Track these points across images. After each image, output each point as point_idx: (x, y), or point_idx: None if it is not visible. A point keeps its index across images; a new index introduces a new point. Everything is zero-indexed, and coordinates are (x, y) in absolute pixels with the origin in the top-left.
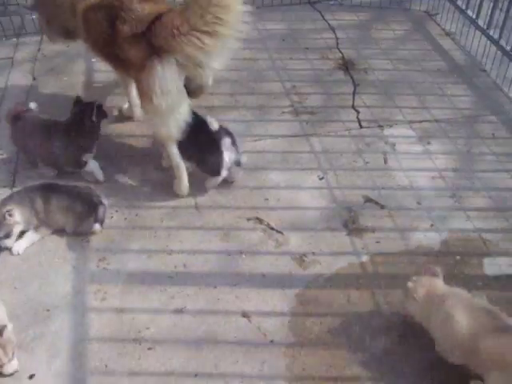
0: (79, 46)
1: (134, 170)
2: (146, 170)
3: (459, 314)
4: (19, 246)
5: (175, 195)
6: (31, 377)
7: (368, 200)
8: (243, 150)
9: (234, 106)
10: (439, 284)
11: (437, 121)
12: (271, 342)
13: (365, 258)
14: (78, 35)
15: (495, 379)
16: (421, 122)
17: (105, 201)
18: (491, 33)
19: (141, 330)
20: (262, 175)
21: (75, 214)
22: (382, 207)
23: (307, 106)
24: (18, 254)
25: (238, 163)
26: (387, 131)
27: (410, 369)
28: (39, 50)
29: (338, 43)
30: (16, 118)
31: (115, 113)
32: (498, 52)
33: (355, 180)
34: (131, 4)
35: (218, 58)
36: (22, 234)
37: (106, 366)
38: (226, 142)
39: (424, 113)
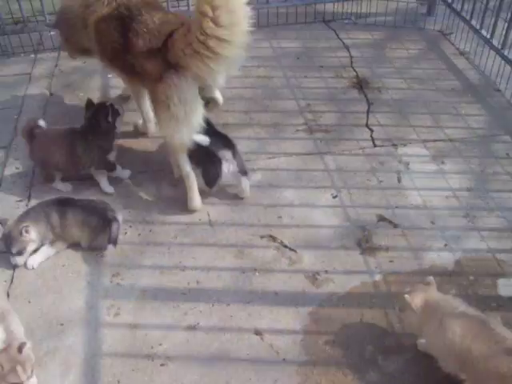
0: (95, 62)
1: (148, 186)
2: (160, 185)
3: (453, 324)
4: (34, 260)
5: (189, 210)
6: None
7: (381, 219)
8: (257, 167)
9: (249, 124)
10: (435, 294)
11: (451, 140)
12: (284, 360)
13: (378, 277)
14: (92, 52)
15: None
16: (435, 141)
17: (119, 217)
18: (506, 52)
19: (154, 346)
20: (276, 193)
21: (90, 228)
22: (396, 226)
23: (321, 124)
24: (33, 268)
25: (243, 172)
26: (401, 150)
27: None
28: (56, 65)
29: (352, 62)
30: (31, 134)
31: (131, 128)
32: None
33: (369, 199)
34: (141, 16)
35: (224, 74)
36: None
37: (119, 381)
38: (226, 153)
39: (438, 132)
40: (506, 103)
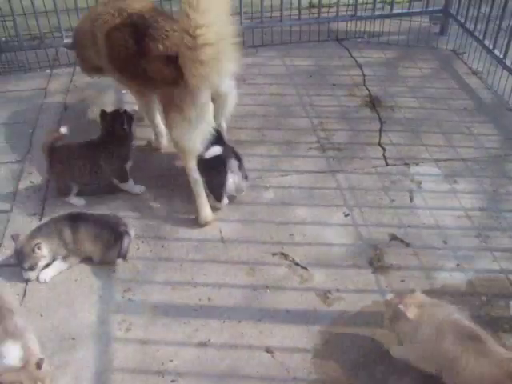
0: (109, 78)
1: (161, 202)
2: (173, 202)
3: (442, 329)
4: (46, 274)
5: (200, 223)
6: None
7: (393, 238)
8: (269, 184)
9: (261, 141)
10: (428, 301)
11: (463, 160)
12: (294, 378)
13: (389, 297)
14: (104, 69)
15: None
16: (447, 160)
17: (131, 231)
18: None
19: (164, 362)
20: (288, 210)
21: (102, 242)
22: (408, 245)
23: (334, 143)
24: (45, 282)
25: (244, 177)
26: (413, 169)
27: None
28: (71, 81)
29: (365, 80)
30: (51, 147)
31: (145, 143)
32: None
33: (381, 217)
34: (158, 22)
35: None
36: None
37: None
38: (233, 164)
39: (450, 151)
40: None
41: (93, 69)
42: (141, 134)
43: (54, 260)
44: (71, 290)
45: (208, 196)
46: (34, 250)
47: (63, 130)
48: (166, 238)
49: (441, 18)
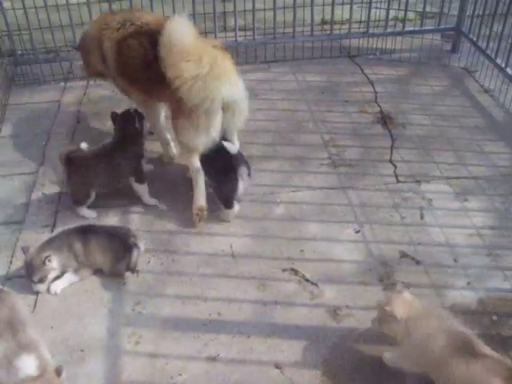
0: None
1: (172, 216)
2: (185, 216)
3: (434, 334)
4: (57, 286)
5: (194, 213)
6: None
7: (404, 255)
8: (280, 200)
9: (273, 157)
10: (414, 301)
11: (474, 178)
12: None
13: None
14: (105, 75)
15: None
16: (458, 178)
17: (140, 243)
18: None
19: (173, 376)
20: (299, 226)
21: (112, 253)
22: (418, 263)
23: (345, 159)
24: (56, 293)
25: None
26: (424, 187)
27: None
28: (85, 94)
29: (376, 97)
30: (68, 158)
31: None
32: None
33: (391, 235)
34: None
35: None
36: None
37: None
38: (244, 171)
39: (462, 169)
40: None
41: (95, 73)
42: (152, 148)
43: (63, 272)
44: (81, 302)
45: (217, 205)
46: (44, 263)
47: (83, 145)
48: (176, 251)
49: (453, 35)
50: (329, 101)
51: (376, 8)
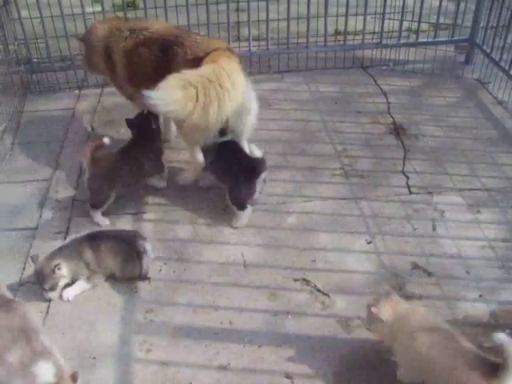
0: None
1: (184, 224)
2: (197, 224)
3: (420, 334)
4: (69, 293)
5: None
6: None
7: (415, 267)
8: (292, 210)
9: (285, 166)
10: (401, 303)
11: (487, 190)
12: None
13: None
14: (111, 81)
15: None
16: (471, 190)
17: (148, 247)
18: None
19: None
20: (311, 236)
21: (121, 256)
22: (430, 275)
23: (357, 170)
24: (68, 300)
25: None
26: (436, 198)
27: None
28: (99, 102)
29: (389, 108)
30: (93, 158)
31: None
32: None
33: (403, 246)
34: (182, 37)
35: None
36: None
37: None
38: (261, 177)
39: (474, 181)
40: None
41: (94, 69)
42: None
43: (74, 280)
44: (93, 309)
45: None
46: (53, 271)
47: (106, 140)
48: (188, 260)
49: (466, 47)
50: (342, 111)
51: (389, 19)
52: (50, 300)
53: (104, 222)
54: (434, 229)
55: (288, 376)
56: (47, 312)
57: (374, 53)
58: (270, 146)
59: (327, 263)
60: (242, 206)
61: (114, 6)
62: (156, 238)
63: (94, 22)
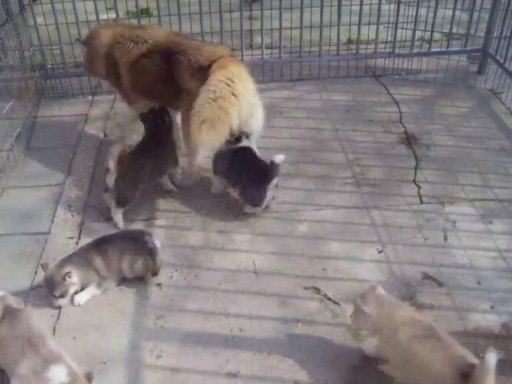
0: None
1: (195, 231)
2: (208, 231)
3: (402, 328)
4: (81, 297)
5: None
6: None
7: (426, 277)
8: (304, 218)
9: (297, 175)
10: (385, 297)
11: (499, 200)
12: None
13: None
14: (114, 87)
15: None
16: (483, 200)
17: (157, 242)
18: None
19: None
20: (322, 245)
21: (131, 254)
22: (441, 285)
23: (369, 179)
24: (79, 305)
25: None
26: (448, 208)
27: None
28: (112, 108)
29: (401, 117)
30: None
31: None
32: None
33: (414, 256)
34: (189, 43)
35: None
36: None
37: None
38: (273, 181)
39: (486, 191)
40: None
41: (94, 73)
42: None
43: (84, 286)
44: (104, 314)
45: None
46: (64, 279)
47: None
48: (199, 267)
49: (479, 57)
50: (353, 120)
51: (402, 28)
52: (59, 307)
53: (121, 224)
54: (445, 239)
55: None
56: (58, 317)
57: (386, 62)
58: (281, 154)
59: (338, 272)
60: (255, 204)
61: (128, 12)
62: (167, 244)
63: (97, 27)
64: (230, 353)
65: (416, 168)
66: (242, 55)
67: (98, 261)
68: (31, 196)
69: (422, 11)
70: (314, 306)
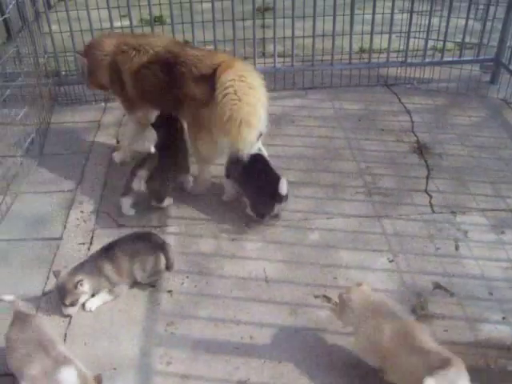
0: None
1: (207, 238)
2: (220, 238)
3: (381, 324)
4: (92, 303)
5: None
6: None
7: (437, 286)
8: (315, 226)
9: (308, 183)
10: (371, 294)
11: (511, 210)
12: None
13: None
14: (116, 95)
15: None
16: (495, 210)
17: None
18: None
19: None
20: (333, 253)
21: (140, 255)
22: (452, 295)
23: (380, 188)
24: (90, 310)
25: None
26: (460, 218)
27: None
28: (124, 114)
29: (413, 126)
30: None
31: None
32: None
33: (425, 265)
34: (186, 53)
35: None
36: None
37: None
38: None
39: (498, 201)
40: None
41: (97, 84)
42: None
43: (94, 294)
44: (115, 320)
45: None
46: (76, 287)
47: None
48: (210, 274)
49: (492, 66)
50: (365, 129)
51: (414, 38)
52: (68, 315)
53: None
54: (456, 249)
55: None
56: (69, 322)
57: (398, 71)
58: (293, 162)
59: (349, 280)
60: (261, 216)
61: (141, 20)
62: (178, 251)
63: (99, 37)
64: (240, 360)
65: (428, 177)
66: (255, 63)
67: (108, 267)
68: (44, 201)
69: (435, 20)
70: (324, 314)
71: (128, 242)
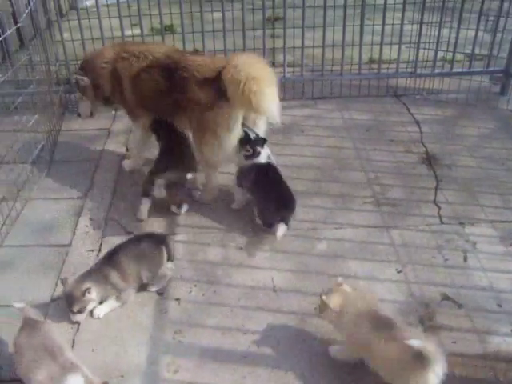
0: None
1: (215, 247)
2: (228, 247)
3: (362, 320)
4: (100, 310)
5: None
6: None
7: (446, 298)
8: (323, 236)
9: (317, 193)
10: (352, 294)
11: None
12: None
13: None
14: (114, 101)
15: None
16: (504, 222)
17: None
18: None
19: None
20: (340, 263)
21: (145, 255)
22: (460, 306)
23: (389, 198)
24: (98, 317)
25: None
26: (468, 229)
27: None
28: None
29: (422, 137)
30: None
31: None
32: None
33: (433, 276)
34: (187, 57)
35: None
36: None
37: None
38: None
39: (507, 213)
40: None
41: (101, 99)
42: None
43: (102, 301)
44: (123, 327)
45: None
46: (83, 295)
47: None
48: (218, 282)
49: (502, 78)
50: (374, 139)
51: (424, 48)
52: (77, 322)
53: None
54: (465, 260)
55: None
56: (78, 329)
57: (407, 82)
58: (302, 172)
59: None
60: (269, 226)
61: (152, 29)
62: (186, 259)
63: (102, 47)
64: (247, 369)
65: (436, 188)
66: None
67: (113, 275)
68: (53, 208)
69: (445, 32)
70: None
71: (130, 245)
